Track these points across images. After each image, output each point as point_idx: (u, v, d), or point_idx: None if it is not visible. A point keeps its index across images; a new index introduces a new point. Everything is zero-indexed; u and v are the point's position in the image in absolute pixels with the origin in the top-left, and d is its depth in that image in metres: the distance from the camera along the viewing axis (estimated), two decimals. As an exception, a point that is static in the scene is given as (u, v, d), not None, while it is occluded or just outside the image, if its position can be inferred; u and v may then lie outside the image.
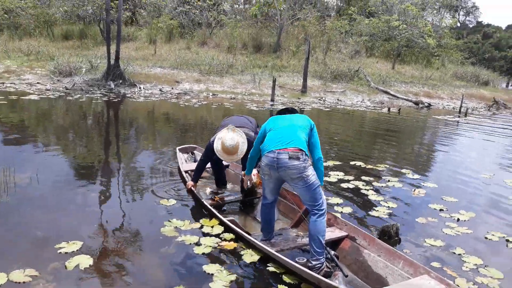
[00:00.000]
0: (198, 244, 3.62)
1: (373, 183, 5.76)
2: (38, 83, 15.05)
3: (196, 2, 25.25)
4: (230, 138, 4.26)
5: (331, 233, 3.58)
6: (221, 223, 4.03)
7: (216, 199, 4.55)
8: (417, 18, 27.19)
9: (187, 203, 4.66)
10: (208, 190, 4.95)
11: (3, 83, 14.60)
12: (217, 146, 4.32)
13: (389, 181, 5.93)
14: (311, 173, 3.23)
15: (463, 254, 3.77)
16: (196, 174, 4.74)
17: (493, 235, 4.24)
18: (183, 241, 3.66)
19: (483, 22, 73.13)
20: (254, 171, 4.10)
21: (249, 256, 3.44)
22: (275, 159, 3.23)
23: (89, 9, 22.66)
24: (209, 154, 4.54)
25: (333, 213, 4.05)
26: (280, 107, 13.84)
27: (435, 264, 3.53)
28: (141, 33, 23.58)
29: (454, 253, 3.79)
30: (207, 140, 8.08)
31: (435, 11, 33.66)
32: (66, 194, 4.68)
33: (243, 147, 4.29)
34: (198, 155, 6.13)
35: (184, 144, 6.82)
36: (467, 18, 72.72)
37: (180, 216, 4.22)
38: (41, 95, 12.64)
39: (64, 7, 22.82)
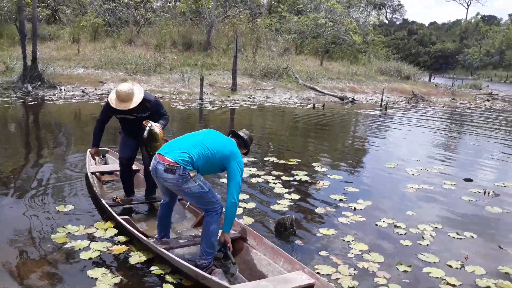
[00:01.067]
0: (86, 249, 3.53)
1: (281, 177, 5.93)
2: None
3: (123, 0, 24.49)
4: (125, 85, 4.09)
5: None
6: (116, 224, 3.96)
7: (117, 200, 4.44)
8: (343, 16, 28.31)
9: (87, 207, 4.53)
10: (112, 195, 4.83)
11: None
12: (111, 95, 4.11)
13: (297, 174, 6.13)
14: (192, 185, 3.12)
15: (352, 241, 3.99)
16: (94, 136, 4.49)
17: (383, 221, 4.52)
18: (72, 247, 3.55)
19: (408, 20, 77.79)
20: (157, 125, 3.86)
21: (137, 258, 3.42)
22: (154, 167, 3.21)
23: (4, 6, 21.18)
24: (105, 108, 4.28)
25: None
26: (208, 106, 13.82)
27: (323, 253, 3.71)
28: (63, 32, 22.46)
29: (344, 240, 4.00)
30: (116, 139, 7.92)
31: (361, 9, 35.23)
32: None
33: (138, 96, 4.05)
34: (110, 158, 5.98)
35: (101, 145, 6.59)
36: (394, 16, 76.80)
37: (77, 222, 4.11)
38: None
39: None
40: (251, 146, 3.62)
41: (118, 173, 5.41)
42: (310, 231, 4.20)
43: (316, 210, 4.76)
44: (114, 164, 5.68)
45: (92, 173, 5.16)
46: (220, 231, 3.26)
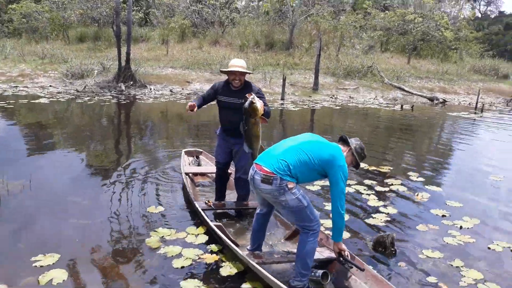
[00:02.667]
0: (179, 256, 3.52)
1: (375, 188, 5.56)
2: (50, 86, 15.23)
3: (209, 1, 25.19)
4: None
5: (320, 254, 3.39)
6: (208, 230, 3.92)
7: (209, 203, 4.43)
8: (433, 11, 26.53)
9: (178, 209, 4.58)
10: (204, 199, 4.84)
11: (17, 86, 14.82)
12: (224, 69, 4.21)
13: (392, 184, 5.71)
14: (290, 197, 2.95)
15: (462, 267, 3.56)
16: (199, 100, 4.35)
17: (497, 245, 4.01)
18: (165, 253, 3.56)
19: (505, 12, 71.12)
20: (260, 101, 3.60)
21: (228, 269, 3.33)
22: (252, 177, 3.08)
23: (103, 11, 22.84)
24: (211, 87, 4.38)
25: (326, 232, 3.82)
26: (290, 106, 13.65)
27: (430, 279, 3.34)
28: (154, 33, 23.66)
29: (452, 265, 3.58)
30: (206, 140, 8.07)
31: (453, 2, 32.81)
32: (57, 202, 4.63)
33: (248, 69, 4.16)
34: (203, 159, 6.07)
35: (188, 146, 6.74)
36: (489, 8, 70.69)
37: (168, 224, 4.16)
38: (52, 98, 12.77)
39: (79, 10, 23.10)
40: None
41: (210, 175, 5.47)
42: (413, 252, 3.82)
43: (418, 227, 4.35)
44: (207, 166, 5.73)
45: (186, 173, 5.21)
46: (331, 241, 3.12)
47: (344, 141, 3.25)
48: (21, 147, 7.00)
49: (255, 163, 3.10)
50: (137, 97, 13.94)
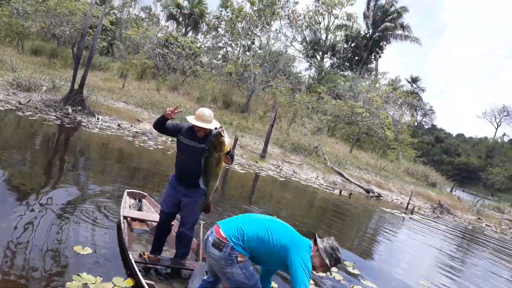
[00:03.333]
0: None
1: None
2: (-10, 91, 14.22)
3: (176, 48, 25.57)
4: (207, 109, 3.98)
5: None
6: (136, 285, 3.62)
7: (144, 256, 4.12)
8: (379, 110, 28.73)
9: (107, 254, 4.23)
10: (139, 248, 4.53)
11: (-48, 83, 13.68)
12: (190, 119, 3.93)
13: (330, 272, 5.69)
14: (236, 271, 2.78)
15: None
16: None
17: None
18: (87, 304, 3.21)
19: (437, 126, 78.58)
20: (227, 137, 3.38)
21: None
22: (206, 238, 2.94)
23: (66, 31, 22.37)
24: (177, 124, 4.11)
25: None
26: (237, 167, 13.68)
27: None
28: (114, 65, 23.36)
29: None
30: (155, 187, 7.75)
31: (396, 107, 35.82)
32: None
33: (215, 124, 3.86)
34: (145, 204, 5.74)
35: (130, 186, 6.38)
36: (423, 119, 77.83)
37: (94, 270, 3.80)
38: (-11, 104, 11.86)
39: (42, 23, 22.43)
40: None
41: (150, 223, 5.17)
42: None
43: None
44: (148, 213, 5.43)
45: (125, 217, 4.89)
46: None
47: (315, 241, 3.02)
48: None
49: (216, 224, 2.97)
50: (82, 123, 13.33)
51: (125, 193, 5.63)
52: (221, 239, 2.80)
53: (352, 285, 5.38)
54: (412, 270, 7.42)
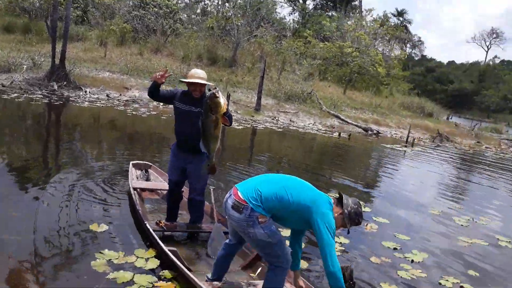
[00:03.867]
0: (131, 283, 3.15)
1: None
2: (-31, 77, 13.73)
3: (152, 8, 24.58)
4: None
5: None
6: (159, 254, 3.60)
7: (160, 224, 4.08)
8: (368, 47, 28.21)
9: (124, 227, 4.19)
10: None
11: None
12: (184, 79, 3.95)
13: (342, 213, 5.72)
14: (258, 231, 2.72)
15: (418, 302, 3.57)
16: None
17: (447, 280, 4.10)
18: (115, 279, 3.18)
19: (427, 56, 77.88)
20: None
21: None
22: (225, 201, 2.86)
23: (36, 3, 21.34)
24: (172, 90, 4.11)
25: None
26: (234, 124, 13.55)
27: (392, 314, 3.30)
28: (91, 33, 22.51)
29: (409, 300, 3.59)
30: (156, 154, 7.64)
31: (385, 42, 35.19)
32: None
33: (208, 82, 3.88)
34: (152, 174, 5.67)
35: (130, 157, 6.28)
36: (413, 51, 76.92)
37: (114, 245, 3.76)
38: (-29, 90, 11.48)
39: (9, -3, 21.37)
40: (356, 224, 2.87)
41: (160, 192, 5.11)
42: (370, 285, 3.79)
43: (371, 259, 4.35)
44: (156, 182, 5.35)
45: (134, 188, 4.80)
46: None
47: (340, 199, 2.91)
48: None
49: (235, 186, 2.88)
50: (70, 98, 12.99)
51: (130, 165, 5.53)
52: (240, 201, 2.74)
53: (366, 224, 5.41)
54: (420, 200, 7.49)
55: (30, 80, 14.05)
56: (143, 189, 5.06)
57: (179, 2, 32.81)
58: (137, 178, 5.36)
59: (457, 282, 4.09)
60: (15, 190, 4.87)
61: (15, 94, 12.03)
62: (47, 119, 10.23)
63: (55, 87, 13.83)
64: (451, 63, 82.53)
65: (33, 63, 15.58)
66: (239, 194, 2.77)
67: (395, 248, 4.75)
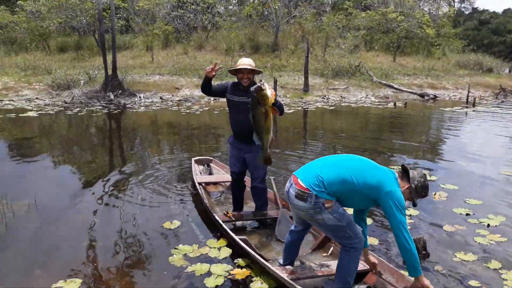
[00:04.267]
0: (209, 274, 3.33)
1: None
2: (37, 98, 14.80)
3: (190, 6, 24.96)
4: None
5: None
6: (230, 243, 3.75)
7: (228, 214, 4.24)
8: (413, 9, 26.84)
9: (193, 222, 4.38)
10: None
11: (1, 100, 14.33)
12: (233, 68, 4.05)
13: (407, 185, 5.60)
14: (326, 216, 2.71)
15: (501, 269, 3.44)
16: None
17: (530, 242, 3.92)
18: (193, 272, 3.36)
19: (478, 8, 72.67)
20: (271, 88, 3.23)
21: (258, 285, 3.16)
22: (287, 191, 2.86)
23: (83, 20, 22.41)
24: (222, 84, 4.20)
25: None
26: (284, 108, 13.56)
27: (473, 283, 3.21)
28: (137, 40, 23.32)
29: (489, 267, 3.47)
30: (214, 148, 7.87)
31: (431, 1, 33.30)
32: (65, 222, 4.39)
33: (256, 69, 3.99)
34: (214, 167, 5.88)
35: (190, 153, 6.52)
36: (462, 5, 72.09)
37: (188, 239, 3.95)
38: (40, 111, 12.38)
39: (58, 19, 22.58)
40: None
41: (223, 184, 5.29)
42: (446, 254, 3.71)
43: (444, 228, 4.24)
44: (219, 175, 5.54)
45: (199, 183, 5.01)
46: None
47: (405, 173, 2.83)
48: (18, 165, 6.69)
49: (294, 175, 2.89)
50: (127, 106, 13.64)
51: (193, 161, 5.76)
52: (302, 190, 2.71)
53: (434, 193, 5.26)
54: (489, 161, 7.14)
55: (88, 94, 14.89)
56: (207, 183, 5.26)
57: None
58: (200, 173, 5.58)
59: (542, 243, 3.90)
60: (88, 197, 5.21)
61: (78, 109, 12.82)
62: (109, 128, 10.81)
63: (112, 96, 14.56)
64: (507, 11, 76.43)
65: (89, 77, 16.48)
66: (300, 182, 2.74)
67: (467, 214, 4.59)
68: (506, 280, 3.28)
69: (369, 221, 4.26)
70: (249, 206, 4.61)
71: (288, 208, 4.21)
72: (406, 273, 2.92)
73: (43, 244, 3.88)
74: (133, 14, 27.06)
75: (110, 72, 15.24)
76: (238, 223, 4.33)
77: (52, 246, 3.83)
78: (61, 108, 13.01)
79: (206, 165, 5.83)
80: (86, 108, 12.96)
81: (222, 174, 5.53)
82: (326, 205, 2.69)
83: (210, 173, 5.69)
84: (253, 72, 3.98)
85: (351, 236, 2.79)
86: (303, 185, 2.72)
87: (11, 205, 4.68)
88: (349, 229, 2.77)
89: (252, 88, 3.15)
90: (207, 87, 4.03)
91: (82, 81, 16.07)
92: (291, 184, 2.83)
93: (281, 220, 3.97)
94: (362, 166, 2.79)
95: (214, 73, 3.90)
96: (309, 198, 2.68)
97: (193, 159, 5.85)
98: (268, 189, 4.45)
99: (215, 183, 5.35)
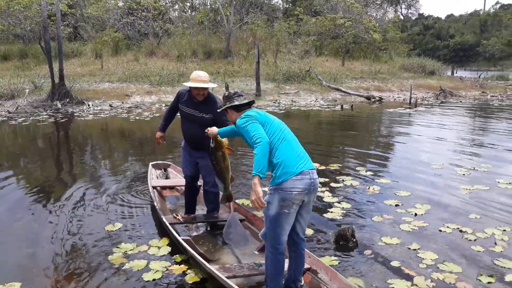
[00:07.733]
0: (147, 269, 3.43)
1: (329, 184, 5.74)
2: (-24, 109, 14.14)
3: (141, 13, 24.72)
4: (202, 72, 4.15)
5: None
6: (171, 242, 3.85)
7: (177, 217, 4.31)
8: (361, 15, 27.96)
9: (142, 224, 4.45)
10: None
11: None
12: (186, 83, 4.10)
13: (343, 180, 5.93)
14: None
15: (419, 249, 3.78)
16: (163, 122, 4.56)
17: (447, 227, 4.29)
18: (131, 268, 3.45)
19: (424, 14, 76.51)
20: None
21: (193, 275, 3.35)
22: (312, 180, 2.82)
23: (28, 27, 21.64)
24: (175, 98, 4.33)
25: None
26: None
27: (394, 263, 3.51)
28: (85, 48, 22.80)
29: (410, 249, 3.80)
30: (167, 153, 7.86)
31: (378, 7, 34.80)
32: (9, 227, 4.33)
33: (211, 85, 4.09)
34: (171, 172, 5.91)
35: (142, 160, 6.51)
36: (409, 11, 75.60)
37: (131, 239, 4.03)
38: (-20, 122, 11.87)
39: (0, 26, 21.69)
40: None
41: (180, 188, 5.34)
42: (373, 241, 4.00)
43: (374, 218, 4.56)
44: (175, 179, 5.59)
45: (154, 187, 5.06)
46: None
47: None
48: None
49: (311, 169, 2.87)
50: (75, 114, 13.33)
51: (150, 165, 5.75)
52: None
53: (368, 187, 5.60)
54: (422, 157, 7.63)
55: (34, 103, 14.42)
56: (163, 187, 5.30)
57: (167, 1, 32.87)
58: (157, 177, 5.60)
59: (457, 228, 4.27)
60: (32, 206, 5.12)
61: (22, 119, 12.40)
62: (56, 137, 10.55)
63: (59, 105, 14.18)
64: (450, 16, 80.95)
65: (34, 86, 15.95)
66: (312, 165, 2.91)
67: (396, 205, 4.95)
68: (424, 259, 3.60)
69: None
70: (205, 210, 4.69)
71: (241, 212, 4.37)
72: (339, 273, 3.10)
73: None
74: (82, 21, 26.43)
75: (57, 80, 14.83)
76: (188, 225, 4.41)
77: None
78: (4, 118, 12.53)
79: (163, 170, 5.88)
80: (31, 118, 12.55)
81: (179, 179, 5.53)
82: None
83: (167, 178, 5.74)
84: (207, 88, 4.05)
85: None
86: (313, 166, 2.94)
87: None
88: None
89: (211, 145, 3.42)
90: (169, 123, 4.56)
91: (27, 90, 15.52)
92: (311, 173, 2.84)
93: (230, 224, 4.01)
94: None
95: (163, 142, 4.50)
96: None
97: (150, 163, 5.84)
98: (220, 193, 4.55)
99: (171, 188, 5.39)
